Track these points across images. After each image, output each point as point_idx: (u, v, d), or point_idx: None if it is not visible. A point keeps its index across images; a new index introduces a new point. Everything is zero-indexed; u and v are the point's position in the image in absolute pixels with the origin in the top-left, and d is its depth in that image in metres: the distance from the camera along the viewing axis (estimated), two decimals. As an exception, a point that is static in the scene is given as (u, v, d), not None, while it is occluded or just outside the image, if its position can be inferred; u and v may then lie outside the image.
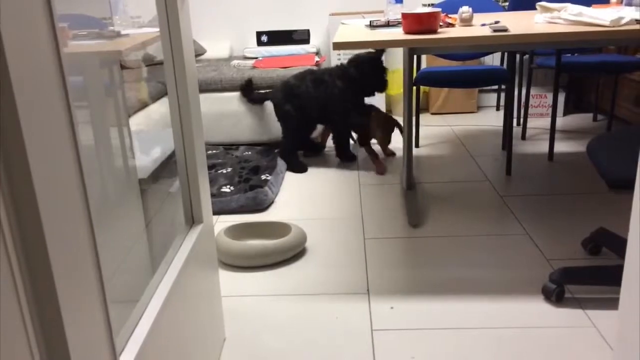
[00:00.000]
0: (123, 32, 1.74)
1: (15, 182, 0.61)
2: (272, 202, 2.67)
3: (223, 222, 2.48)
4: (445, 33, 2.07)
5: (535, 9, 2.46)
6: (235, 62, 3.72)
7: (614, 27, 1.96)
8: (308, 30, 3.98)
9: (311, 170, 3.07)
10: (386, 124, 3.17)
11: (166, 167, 1.85)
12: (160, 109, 3.14)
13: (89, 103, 1.42)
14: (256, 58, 3.86)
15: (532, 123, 3.80)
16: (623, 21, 1.98)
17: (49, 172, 0.65)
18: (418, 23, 2.08)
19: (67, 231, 0.69)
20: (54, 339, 0.68)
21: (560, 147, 3.26)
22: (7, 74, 0.58)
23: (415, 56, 3.06)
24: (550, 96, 3.91)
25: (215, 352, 1.55)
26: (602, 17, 2.00)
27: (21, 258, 0.63)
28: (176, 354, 1.17)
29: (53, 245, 0.65)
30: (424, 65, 3.89)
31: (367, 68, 3.03)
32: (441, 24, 2.24)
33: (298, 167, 3.08)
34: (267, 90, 3.33)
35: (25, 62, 0.61)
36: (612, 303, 1.75)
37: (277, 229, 2.25)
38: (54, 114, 0.67)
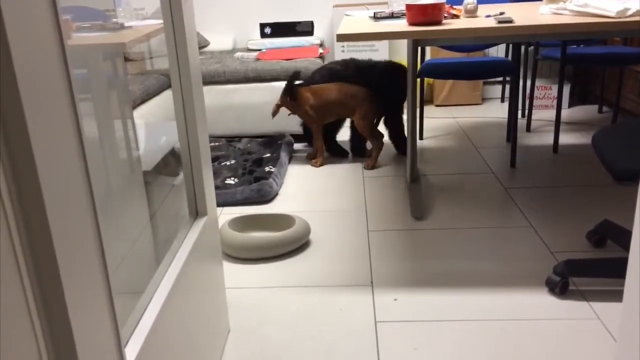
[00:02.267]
0: (126, 24, 1.74)
1: (20, 175, 0.62)
2: (277, 194, 2.67)
3: (227, 214, 2.49)
4: (450, 24, 2.06)
5: None
6: (238, 54, 3.71)
7: (619, 18, 1.95)
8: (312, 22, 3.97)
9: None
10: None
11: (170, 160, 1.85)
12: (164, 101, 3.15)
13: (92, 95, 1.42)
14: (260, 50, 3.85)
15: (536, 115, 3.78)
16: (629, 12, 1.97)
17: (53, 164, 0.65)
18: (422, 14, 2.07)
19: (72, 223, 0.70)
20: (60, 331, 0.68)
21: (565, 139, 3.25)
22: (11, 67, 0.58)
23: (419, 48, 3.05)
24: (555, 88, 3.89)
25: (219, 344, 1.56)
26: (608, 8, 1.99)
27: (26, 250, 0.63)
28: (181, 345, 1.18)
29: (58, 237, 0.65)
30: (428, 57, 3.88)
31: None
32: (446, 15, 2.23)
33: (340, 152, 3.16)
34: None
35: (29, 54, 0.61)
36: (616, 295, 1.75)
37: (281, 221, 2.25)
38: (58, 106, 0.68)
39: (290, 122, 3.39)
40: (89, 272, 0.74)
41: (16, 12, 0.59)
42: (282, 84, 3.35)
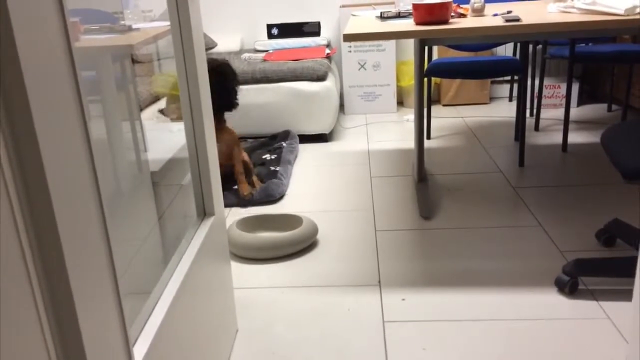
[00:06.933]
0: (134, 26, 1.75)
1: (28, 176, 0.62)
2: (284, 194, 2.67)
3: (235, 214, 2.49)
4: (457, 23, 2.06)
5: (548, -2, 2.43)
6: (246, 55, 3.72)
7: (628, 15, 1.93)
8: (319, 23, 3.97)
9: (322, 163, 3.08)
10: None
11: (178, 160, 1.86)
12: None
13: (100, 97, 1.43)
14: (267, 51, 3.86)
15: (545, 114, 3.76)
16: (638, 10, 1.95)
17: (61, 166, 0.66)
18: (429, 14, 2.07)
19: (80, 224, 0.70)
20: (68, 331, 0.68)
21: (574, 138, 3.23)
22: (19, 69, 0.59)
23: (426, 47, 3.05)
24: (563, 86, 3.87)
25: (227, 344, 1.56)
26: (616, 5, 1.98)
27: (35, 250, 0.64)
28: (189, 345, 1.18)
29: (66, 238, 0.66)
30: (435, 57, 3.87)
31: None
32: (453, 14, 2.22)
33: None
34: None
35: (37, 57, 0.62)
36: (626, 295, 1.73)
37: (289, 221, 2.25)
38: (66, 108, 0.68)
39: (296, 121, 3.39)
40: (97, 272, 0.74)
41: (24, 14, 0.60)
42: (289, 84, 3.35)
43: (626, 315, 1.63)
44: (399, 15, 2.34)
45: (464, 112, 3.88)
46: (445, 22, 2.09)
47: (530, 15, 2.15)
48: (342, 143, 3.39)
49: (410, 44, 4.14)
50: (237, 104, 2.68)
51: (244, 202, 2.58)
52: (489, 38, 2.43)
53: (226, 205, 2.56)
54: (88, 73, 1.41)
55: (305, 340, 1.63)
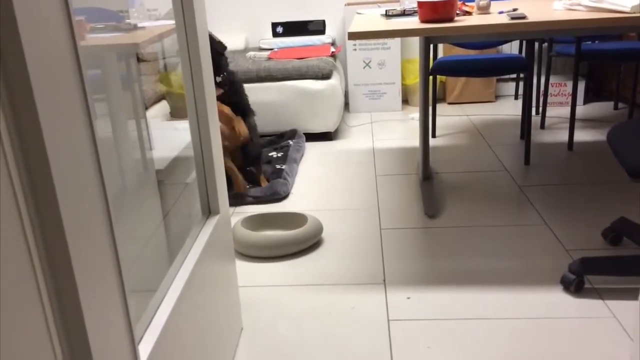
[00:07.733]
0: (139, 24, 1.75)
1: (34, 173, 0.62)
2: (289, 193, 2.67)
3: (240, 213, 2.50)
4: (462, 21, 2.05)
5: (554, -5, 2.42)
6: (250, 53, 3.72)
7: (634, 13, 1.92)
8: (323, 21, 3.97)
9: (327, 161, 3.08)
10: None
11: (183, 159, 1.86)
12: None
13: (106, 95, 1.43)
14: (272, 49, 3.86)
15: (551, 112, 3.74)
16: (645, 7, 1.94)
17: (66, 164, 0.66)
18: (434, 11, 2.06)
19: (86, 222, 0.70)
20: (74, 329, 0.69)
21: (580, 136, 3.21)
22: (24, 67, 0.59)
23: (431, 45, 3.04)
24: (569, 84, 3.85)
25: (232, 342, 1.57)
26: (622, 3, 1.96)
27: (40, 249, 0.64)
28: (194, 343, 1.19)
29: (72, 236, 0.66)
30: (440, 55, 3.86)
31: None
32: (458, 12, 2.22)
33: None
34: None
35: (42, 55, 0.62)
36: (632, 293, 1.72)
37: (294, 219, 2.26)
38: (72, 107, 0.68)
39: (301, 120, 3.39)
40: (102, 270, 0.75)
41: (29, 14, 0.60)
42: (294, 83, 3.35)
43: (632, 314, 1.63)
44: (404, 13, 2.34)
45: (469, 110, 3.87)
46: (450, 19, 2.08)
47: (536, 12, 2.14)
48: (347, 141, 3.39)
49: (415, 42, 4.13)
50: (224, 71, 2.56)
51: (241, 201, 2.57)
52: (495, 36, 2.42)
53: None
54: (94, 72, 1.42)
55: (310, 339, 1.63)
